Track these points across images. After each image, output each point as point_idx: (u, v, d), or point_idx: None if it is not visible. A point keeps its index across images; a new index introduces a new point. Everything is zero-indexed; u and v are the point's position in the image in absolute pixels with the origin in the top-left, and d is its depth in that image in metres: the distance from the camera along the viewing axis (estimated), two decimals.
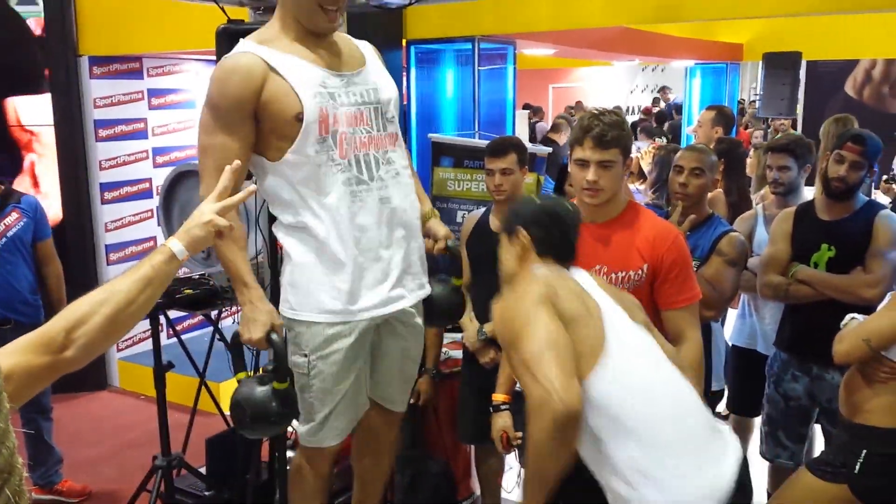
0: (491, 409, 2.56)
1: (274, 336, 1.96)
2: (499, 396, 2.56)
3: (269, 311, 1.98)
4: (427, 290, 2.32)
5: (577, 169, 2.20)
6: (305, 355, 2.12)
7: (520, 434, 2.59)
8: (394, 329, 2.29)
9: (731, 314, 4.33)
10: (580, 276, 1.98)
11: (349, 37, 2.22)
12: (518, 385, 2.62)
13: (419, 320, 2.34)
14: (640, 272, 2.20)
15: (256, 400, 1.96)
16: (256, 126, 2.00)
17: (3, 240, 3.57)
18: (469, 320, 3.16)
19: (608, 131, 2.12)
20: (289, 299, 2.14)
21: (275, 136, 2.00)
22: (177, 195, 3.24)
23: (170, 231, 3.32)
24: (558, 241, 1.98)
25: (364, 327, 2.14)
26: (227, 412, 2.41)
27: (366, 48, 2.22)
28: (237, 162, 1.69)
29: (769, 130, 7.61)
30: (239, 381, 2.04)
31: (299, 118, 1.96)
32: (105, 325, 1.32)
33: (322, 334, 2.10)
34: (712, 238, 2.77)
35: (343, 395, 2.19)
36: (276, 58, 1.97)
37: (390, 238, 2.14)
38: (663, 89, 13.55)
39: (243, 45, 2.02)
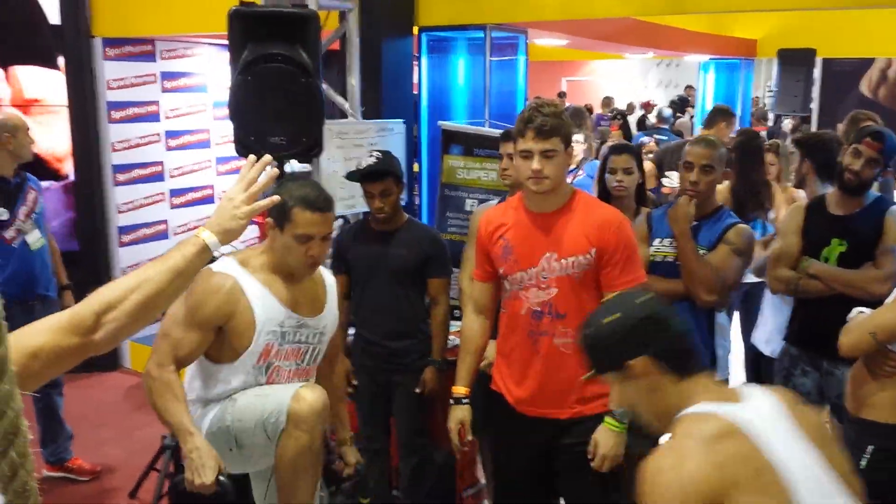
0: (451, 401, 2.56)
1: (222, 478, 2.10)
2: (460, 389, 2.55)
3: (216, 456, 2.11)
4: None
5: (521, 160, 2.32)
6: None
7: (470, 434, 2.57)
8: None
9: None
10: (761, 402, 1.50)
11: (320, 272, 2.45)
12: None
13: None
14: (588, 255, 2.33)
15: None
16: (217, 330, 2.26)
17: (34, 216, 3.57)
18: None
19: (548, 122, 2.27)
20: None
21: (225, 346, 2.27)
22: None
23: None
24: (684, 347, 1.57)
25: None
26: None
27: (330, 286, 2.48)
28: (268, 157, 1.72)
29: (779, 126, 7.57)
30: None
31: (246, 348, 2.26)
32: (134, 311, 1.34)
33: None
34: (720, 228, 2.79)
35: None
36: (253, 289, 2.25)
37: None
38: (689, 87, 13.26)
39: (231, 266, 2.27)
